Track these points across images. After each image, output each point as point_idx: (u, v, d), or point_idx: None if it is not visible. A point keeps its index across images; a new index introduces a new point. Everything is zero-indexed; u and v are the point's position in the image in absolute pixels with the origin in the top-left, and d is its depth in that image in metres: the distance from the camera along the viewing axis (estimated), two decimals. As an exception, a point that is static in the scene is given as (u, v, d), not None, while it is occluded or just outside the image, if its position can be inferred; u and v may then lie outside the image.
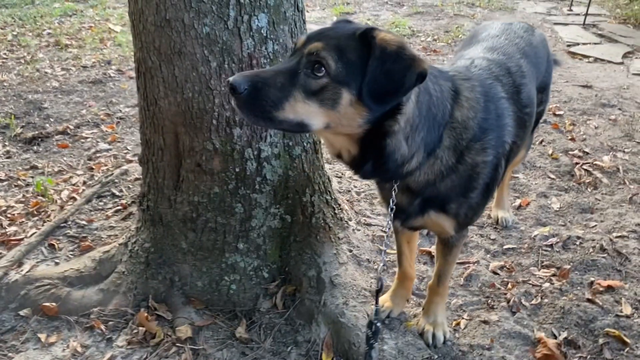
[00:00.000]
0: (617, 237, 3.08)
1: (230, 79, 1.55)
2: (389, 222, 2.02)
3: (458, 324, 2.55)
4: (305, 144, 2.63)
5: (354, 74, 1.57)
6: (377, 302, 2.12)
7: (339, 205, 2.93)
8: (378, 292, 2.12)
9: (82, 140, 4.37)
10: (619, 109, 4.98)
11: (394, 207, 1.96)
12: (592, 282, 2.75)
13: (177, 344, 2.41)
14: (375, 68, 1.56)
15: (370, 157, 1.73)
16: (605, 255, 2.93)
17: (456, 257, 2.37)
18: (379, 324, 2.06)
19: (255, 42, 2.29)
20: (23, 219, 3.31)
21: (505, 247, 3.09)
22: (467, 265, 2.91)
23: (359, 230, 2.98)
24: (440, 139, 1.83)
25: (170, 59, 2.29)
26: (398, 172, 1.80)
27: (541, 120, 3.06)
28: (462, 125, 1.87)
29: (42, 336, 2.47)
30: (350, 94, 1.58)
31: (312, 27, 2.07)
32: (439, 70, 1.92)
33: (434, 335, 2.41)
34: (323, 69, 1.56)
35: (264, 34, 2.30)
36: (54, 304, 2.59)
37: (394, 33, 1.68)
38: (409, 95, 1.66)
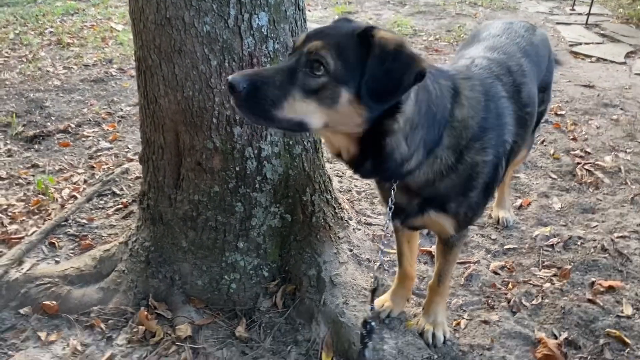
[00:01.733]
0: (618, 237, 3.07)
1: (229, 77, 1.54)
2: (388, 221, 2.01)
3: (458, 323, 2.54)
4: (305, 143, 2.63)
5: (354, 72, 1.56)
6: (372, 301, 2.12)
7: (340, 204, 2.92)
8: (374, 292, 2.12)
9: (83, 139, 4.38)
10: (621, 109, 4.96)
11: (393, 206, 1.96)
12: (593, 283, 2.74)
13: (177, 343, 2.41)
14: (374, 67, 1.55)
15: (370, 156, 1.72)
16: (606, 255, 2.92)
17: (456, 257, 2.36)
18: (373, 323, 2.06)
19: (255, 41, 2.28)
20: (24, 218, 3.31)
21: (506, 247, 3.08)
22: (467, 265, 2.91)
23: (359, 229, 2.98)
24: (440, 138, 1.82)
25: (171, 57, 2.29)
26: (397, 172, 1.80)
27: (542, 120, 3.05)
28: (462, 124, 1.86)
29: (42, 334, 2.46)
30: (349, 93, 1.57)
31: (313, 27, 2.07)
32: (439, 69, 1.91)
33: (434, 335, 2.40)
34: (322, 67, 1.55)
35: (265, 33, 2.29)
36: (54, 302, 2.59)
37: (393, 32, 1.68)
38: (409, 94, 1.65)
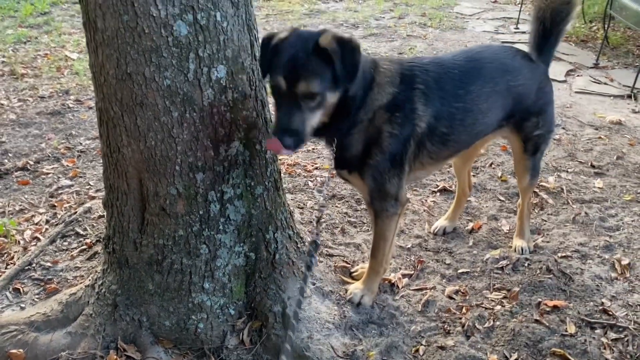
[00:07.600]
0: (561, 257, 3.29)
1: (284, 152, 2.24)
2: (331, 168, 2.64)
3: (417, 350, 2.68)
4: (266, 183, 2.74)
5: (328, 77, 2.19)
6: (317, 228, 2.52)
7: (302, 238, 3.04)
8: (319, 220, 2.57)
9: (43, 177, 4.35)
10: (563, 128, 5.24)
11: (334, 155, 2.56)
12: (539, 303, 2.93)
13: (147, 385, 2.47)
14: (340, 65, 2.17)
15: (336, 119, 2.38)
16: (551, 276, 3.12)
17: (384, 233, 2.76)
18: (319, 242, 2.45)
19: (215, 92, 2.39)
20: (-16, 263, 3.29)
21: (459, 271, 3.25)
22: (424, 291, 3.06)
23: (321, 261, 3.10)
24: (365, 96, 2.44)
25: (132, 109, 2.36)
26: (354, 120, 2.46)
27: (544, 149, 3.16)
28: (377, 92, 2.46)
29: (10, 384, 2.48)
30: (331, 92, 2.24)
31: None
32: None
33: (355, 295, 2.90)
34: (316, 96, 2.19)
35: (224, 84, 2.41)
36: (21, 350, 2.60)
37: (327, 30, 2.21)
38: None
